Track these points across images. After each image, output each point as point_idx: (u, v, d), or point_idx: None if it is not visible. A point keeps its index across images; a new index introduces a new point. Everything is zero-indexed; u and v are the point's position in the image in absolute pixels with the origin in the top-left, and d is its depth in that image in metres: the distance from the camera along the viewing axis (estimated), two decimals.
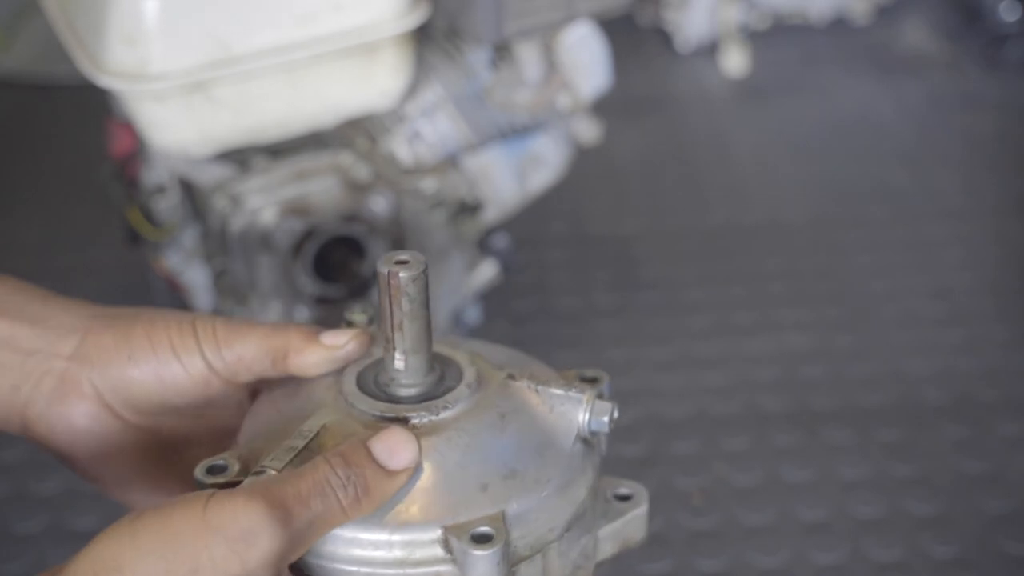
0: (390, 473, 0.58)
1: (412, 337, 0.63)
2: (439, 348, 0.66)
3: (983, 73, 2.30)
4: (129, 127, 1.39)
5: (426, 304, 0.62)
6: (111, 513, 1.46)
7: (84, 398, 0.66)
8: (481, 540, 0.57)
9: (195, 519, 0.54)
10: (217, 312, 1.35)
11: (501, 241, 1.52)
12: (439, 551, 0.58)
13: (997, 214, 1.91)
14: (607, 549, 0.67)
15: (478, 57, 1.43)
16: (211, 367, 0.65)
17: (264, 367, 0.66)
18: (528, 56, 1.43)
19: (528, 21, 1.38)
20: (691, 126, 2.20)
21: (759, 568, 1.31)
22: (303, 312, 1.39)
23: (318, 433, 0.61)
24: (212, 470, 0.61)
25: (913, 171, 2.02)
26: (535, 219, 1.69)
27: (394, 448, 0.59)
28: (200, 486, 0.60)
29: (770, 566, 1.31)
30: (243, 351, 0.65)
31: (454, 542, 0.57)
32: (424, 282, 0.62)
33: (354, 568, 0.59)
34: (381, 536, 0.58)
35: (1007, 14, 2.30)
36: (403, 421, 0.62)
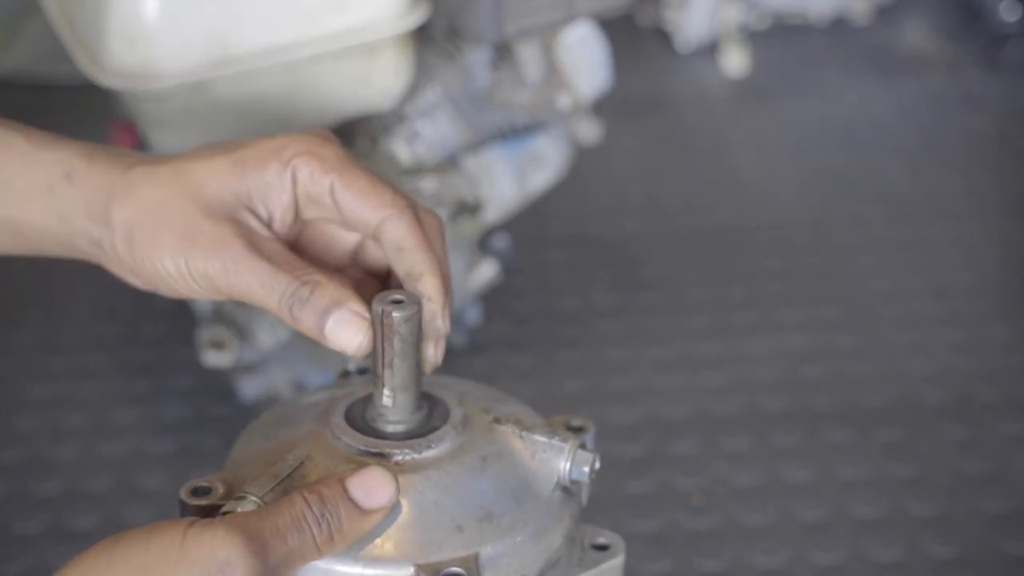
0: (365, 512, 0.59)
1: (401, 375, 0.64)
2: (429, 388, 0.67)
3: (983, 73, 2.30)
4: (130, 127, 1.39)
5: (417, 344, 0.64)
6: (111, 513, 1.47)
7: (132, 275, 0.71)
8: None
9: (173, 549, 0.55)
10: (218, 314, 1.35)
11: (501, 241, 1.52)
12: None
13: (997, 214, 1.91)
14: None
15: (478, 57, 1.43)
16: (209, 292, 0.68)
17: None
18: (528, 56, 1.44)
19: (528, 21, 1.38)
20: (691, 126, 2.20)
21: (759, 568, 1.30)
22: None
23: (302, 463, 0.62)
24: (196, 492, 0.62)
25: (913, 171, 2.02)
26: (535, 219, 1.69)
27: (371, 488, 0.59)
28: (183, 507, 0.62)
29: (770, 566, 1.30)
30: (241, 297, 0.67)
31: None
32: (417, 322, 0.63)
33: None
34: (353, 570, 0.59)
35: (1007, 14, 2.30)
36: (386, 457, 0.63)
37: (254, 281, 0.65)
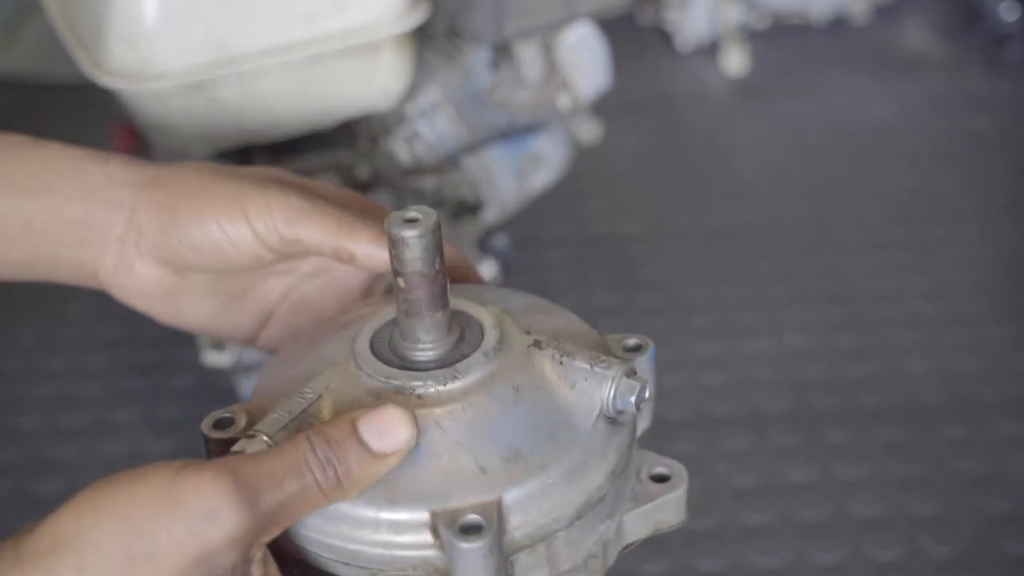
0: (377, 456, 0.54)
1: (425, 298, 0.59)
2: (467, 304, 0.62)
3: (983, 73, 2.30)
4: (130, 127, 1.40)
5: (442, 260, 0.58)
6: None
7: (146, 265, 0.67)
8: (469, 531, 0.53)
9: (161, 495, 0.52)
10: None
11: (501, 241, 1.52)
12: (427, 536, 0.54)
13: (997, 214, 1.91)
14: (638, 532, 0.63)
15: (478, 57, 1.43)
16: (265, 245, 0.64)
17: (326, 256, 0.65)
18: (528, 56, 1.44)
19: (528, 21, 1.38)
20: (691, 126, 2.20)
21: (759, 568, 1.30)
22: None
23: (320, 397, 0.58)
24: (219, 424, 0.58)
25: (913, 171, 2.02)
26: (535, 219, 1.69)
27: (385, 429, 0.55)
28: (206, 440, 0.58)
29: (770, 566, 1.31)
30: (304, 238, 0.64)
31: (442, 530, 0.54)
32: (439, 237, 0.58)
33: (339, 543, 0.55)
34: (368, 514, 0.55)
35: (1007, 14, 2.30)
36: (406, 391, 0.58)
37: (319, 222, 0.64)
